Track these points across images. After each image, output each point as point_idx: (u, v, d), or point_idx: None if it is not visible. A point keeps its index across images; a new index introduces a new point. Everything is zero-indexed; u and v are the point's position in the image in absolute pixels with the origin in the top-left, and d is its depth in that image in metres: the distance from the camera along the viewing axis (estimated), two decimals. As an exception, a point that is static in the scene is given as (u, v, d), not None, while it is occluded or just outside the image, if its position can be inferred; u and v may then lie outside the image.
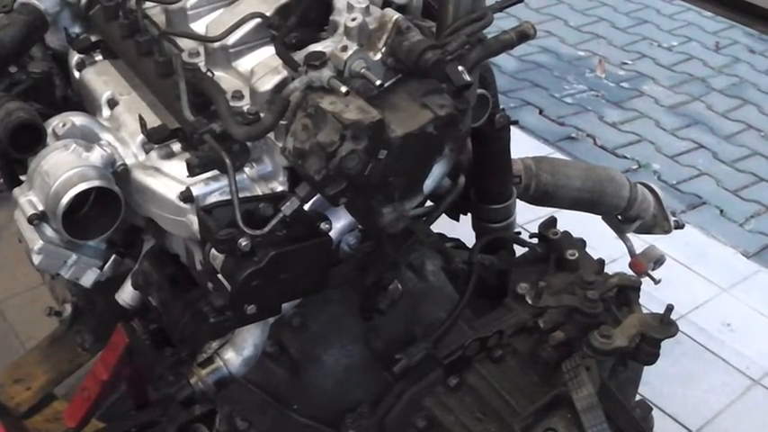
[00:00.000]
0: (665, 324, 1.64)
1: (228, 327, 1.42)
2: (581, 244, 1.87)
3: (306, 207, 1.33)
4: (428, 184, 1.51)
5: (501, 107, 1.81)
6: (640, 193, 2.14)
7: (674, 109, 4.55)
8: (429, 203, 1.79)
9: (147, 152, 1.47)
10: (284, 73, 1.38)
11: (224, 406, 1.63)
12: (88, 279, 1.54)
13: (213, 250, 1.31)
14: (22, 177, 1.48)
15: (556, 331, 1.66)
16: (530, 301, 1.73)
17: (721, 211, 3.77)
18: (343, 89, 1.24)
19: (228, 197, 1.31)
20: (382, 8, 1.40)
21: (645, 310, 1.73)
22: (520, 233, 2.02)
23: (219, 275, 1.32)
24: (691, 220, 3.56)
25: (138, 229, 1.61)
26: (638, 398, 1.97)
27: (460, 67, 1.33)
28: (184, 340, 1.50)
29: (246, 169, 1.41)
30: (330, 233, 1.37)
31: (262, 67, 1.43)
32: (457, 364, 1.65)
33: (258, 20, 1.47)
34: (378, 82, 1.29)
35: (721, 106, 4.59)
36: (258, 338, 1.53)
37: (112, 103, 1.57)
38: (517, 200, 1.98)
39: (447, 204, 1.79)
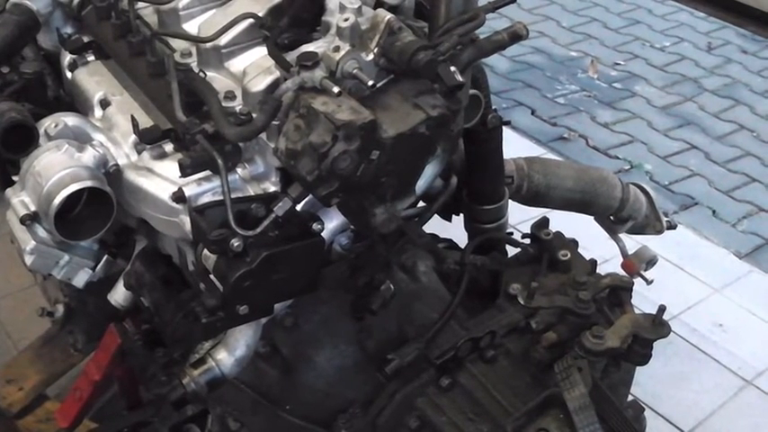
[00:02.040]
0: (657, 325, 1.64)
1: (221, 327, 1.42)
2: (573, 244, 1.87)
3: (298, 207, 1.33)
4: (420, 185, 1.51)
5: (493, 107, 1.82)
6: (632, 194, 2.14)
7: (666, 109, 4.55)
8: (421, 204, 1.79)
9: (139, 152, 1.47)
10: (276, 73, 1.38)
11: (216, 406, 1.63)
12: (80, 279, 1.54)
13: (205, 251, 1.31)
14: (15, 178, 1.48)
15: (548, 332, 1.66)
16: (522, 302, 1.73)
17: (713, 211, 3.78)
18: (336, 89, 1.24)
19: (221, 198, 1.31)
20: (374, 9, 1.40)
21: (637, 311, 1.74)
22: (512, 233, 2.02)
23: (212, 276, 1.32)
24: (683, 221, 3.56)
25: (131, 230, 1.61)
26: (630, 398, 1.98)
27: (453, 68, 1.33)
28: (176, 341, 1.50)
29: (239, 170, 1.41)
30: (322, 233, 1.37)
31: (254, 67, 1.43)
32: (449, 365, 1.65)
33: (250, 20, 1.47)
34: (370, 82, 1.29)
35: (714, 107, 4.59)
36: (250, 339, 1.53)
37: (105, 104, 1.56)
38: (509, 200, 1.98)
39: (439, 205, 1.80)
